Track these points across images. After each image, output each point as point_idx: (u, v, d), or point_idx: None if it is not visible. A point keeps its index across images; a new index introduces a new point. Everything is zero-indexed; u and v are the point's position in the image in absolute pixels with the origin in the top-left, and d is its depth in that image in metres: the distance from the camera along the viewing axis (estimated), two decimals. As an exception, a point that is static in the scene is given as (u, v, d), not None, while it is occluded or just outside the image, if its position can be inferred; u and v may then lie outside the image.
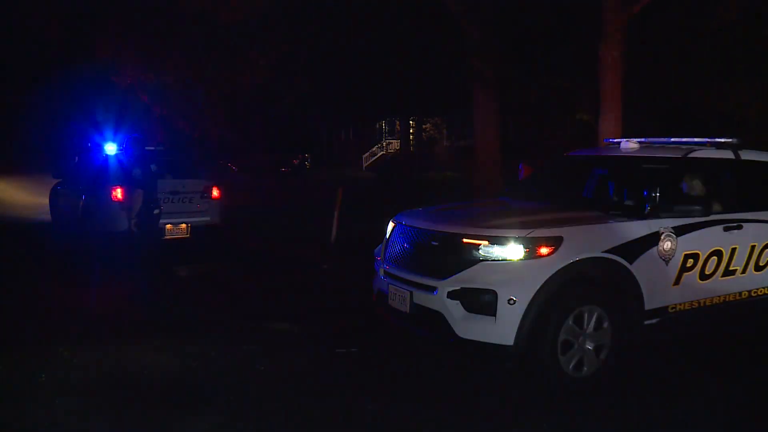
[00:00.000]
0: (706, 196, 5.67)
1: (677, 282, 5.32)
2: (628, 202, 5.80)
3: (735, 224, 5.68)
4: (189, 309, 7.17)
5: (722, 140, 6.09)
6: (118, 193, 10.18)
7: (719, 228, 5.58)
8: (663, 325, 5.30)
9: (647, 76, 13.90)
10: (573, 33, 13.56)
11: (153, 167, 8.03)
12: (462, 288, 4.81)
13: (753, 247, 5.80)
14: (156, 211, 7.76)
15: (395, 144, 42.94)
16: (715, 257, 5.54)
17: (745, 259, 5.76)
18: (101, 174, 10.54)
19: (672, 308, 5.33)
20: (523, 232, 4.80)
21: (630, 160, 6.28)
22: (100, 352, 5.53)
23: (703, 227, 5.44)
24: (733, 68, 13.41)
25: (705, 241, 5.47)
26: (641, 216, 5.21)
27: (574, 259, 4.81)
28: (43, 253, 10.63)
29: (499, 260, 4.78)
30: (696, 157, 5.79)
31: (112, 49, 18.24)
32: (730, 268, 5.67)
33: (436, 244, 5.16)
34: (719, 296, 5.64)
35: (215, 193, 11.05)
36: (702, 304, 5.52)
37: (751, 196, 6.04)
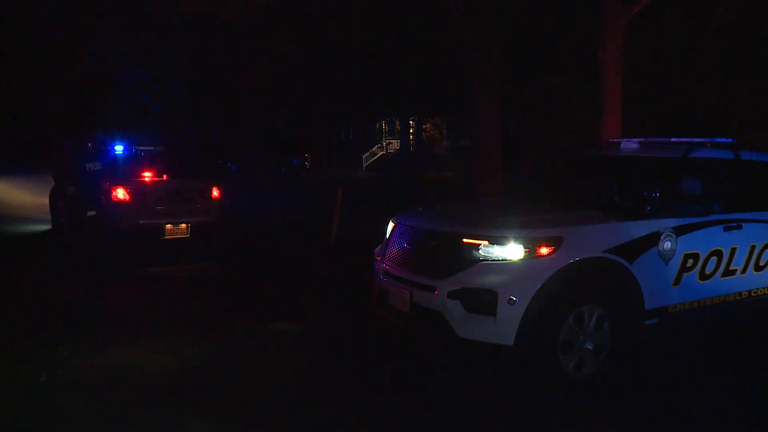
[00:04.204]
0: (706, 196, 5.68)
1: (677, 282, 5.32)
2: (628, 202, 5.80)
3: (735, 224, 5.68)
4: (189, 309, 7.17)
5: (722, 140, 6.10)
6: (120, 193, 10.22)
7: (719, 228, 5.58)
8: (663, 325, 5.30)
9: (647, 76, 13.89)
10: (573, 33, 13.57)
11: (90, 166, 7.77)
12: (462, 288, 4.81)
13: (753, 247, 5.81)
14: (90, 213, 7.60)
15: (395, 144, 42.96)
16: (715, 257, 5.54)
17: (745, 259, 5.77)
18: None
19: (672, 308, 5.33)
20: (523, 232, 4.80)
21: (630, 160, 6.28)
22: (100, 352, 5.54)
23: (703, 227, 5.44)
24: (733, 68, 13.41)
25: (705, 241, 5.47)
26: (641, 216, 5.21)
27: (574, 259, 4.81)
28: (43, 254, 10.63)
29: (499, 260, 4.78)
30: (696, 157, 5.80)
31: (112, 49, 18.28)
32: (730, 268, 5.67)
33: (436, 244, 5.16)
34: (719, 296, 5.64)
35: (215, 193, 11.06)
36: (702, 304, 5.52)
37: (751, 196, 6.05)
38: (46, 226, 12.98)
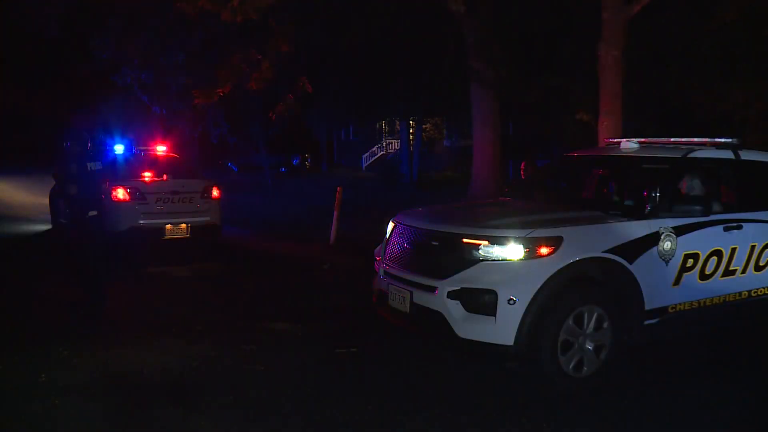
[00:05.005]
0: (706, 196, 5.67)
1: (677, 282, 5.32)
2: (628, 202, 5.81)
3: (735, 224, 5.68)
4: (189, 309, 7.17)
5: (722, 140, 6.09)
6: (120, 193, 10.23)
7: (719, 228, 5.58)
8: (663, 325, 5.30)
9: (647, 76, 13.88)
10: (573, 33, 13.56)
11: (91, 166, 7.74)
12: (462, 288, 4.82)
13: (753, 247, 5.81)
14: (92, 213, 7.54)
15: (395, 144, 42.91)
16: (715, 257, 5.54)
17: (745, 259, 5.76)
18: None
19: (672, 308, 5.33)
20: (523, 232, 4.80)
21: (630, 160, 6.28)
22: (100, 352, 5.54)
23: (703, 227, 5.44)
24: (733, 68, 13.40)
25: (705, 241, 5.47)
26: (641, 216, 5.21)
27: (574, 259, 4.81)
28: (42, 254, 10.63)
29: (499, 260, 4.79)
30: (696, 157, 5.80)
31: (112, 48, 18.27)
32: (730, 268, 5.67)
33: (436, 244, 5.16)
34: (719, 296, 5.64)
35: (215, 193, 11.06)
36: (702, 304, 5.52)
37: (751, 196, 6.05)
38: (46, 226, 12.98)
